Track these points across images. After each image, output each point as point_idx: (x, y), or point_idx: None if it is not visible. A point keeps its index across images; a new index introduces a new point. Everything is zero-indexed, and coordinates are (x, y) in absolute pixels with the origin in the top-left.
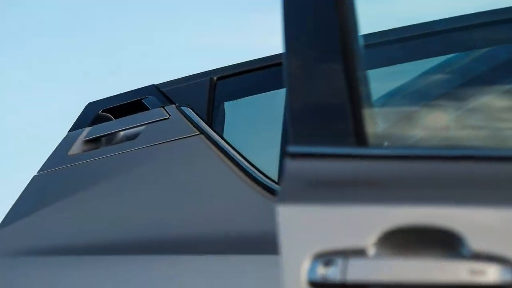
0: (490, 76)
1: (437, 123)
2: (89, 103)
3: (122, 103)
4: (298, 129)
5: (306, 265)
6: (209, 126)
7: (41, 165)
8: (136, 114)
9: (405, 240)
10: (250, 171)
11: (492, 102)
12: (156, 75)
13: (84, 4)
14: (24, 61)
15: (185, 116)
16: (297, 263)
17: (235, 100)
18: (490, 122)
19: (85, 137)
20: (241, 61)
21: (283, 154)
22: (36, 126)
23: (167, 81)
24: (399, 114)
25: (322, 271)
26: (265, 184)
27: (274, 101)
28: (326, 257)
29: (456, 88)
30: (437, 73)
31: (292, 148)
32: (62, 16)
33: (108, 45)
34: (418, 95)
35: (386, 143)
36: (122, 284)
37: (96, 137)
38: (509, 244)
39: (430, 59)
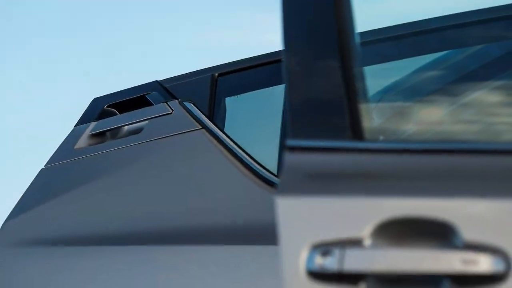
0: (481, 72)
1: (430, 118)
2: (95, 98)
3: (126, 98)
4: (297, 124)
5: (304, 255)
6: (211, 120)
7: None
8: (140, 109)
9: (400, 231)
10: (250, 164)
11: (484, 98)
12: (156, 75)
13: (84, 4)
14: (24, 61)
15: (187, 111)
16: (295, 253)
17: (235, 96)
18: (481, 117)
19: (91, 131)
20: (241, 58)
21: (282, 148)
22: (36, 126)
23: (170, 77)
24: (394, 109)
25: (319, 261)
26: (264, 177)
27: (274, 97)
28: (324, 248)
29: (449, 84)
30: (431, 69)
31: (291, 142)
32: (62, 16)
33: (108, 45)
34: (412, 91)
35: (381, 137)
36: (126, 273)
37: (101, 131)
38: (500, 234)
39: (424, 56)
